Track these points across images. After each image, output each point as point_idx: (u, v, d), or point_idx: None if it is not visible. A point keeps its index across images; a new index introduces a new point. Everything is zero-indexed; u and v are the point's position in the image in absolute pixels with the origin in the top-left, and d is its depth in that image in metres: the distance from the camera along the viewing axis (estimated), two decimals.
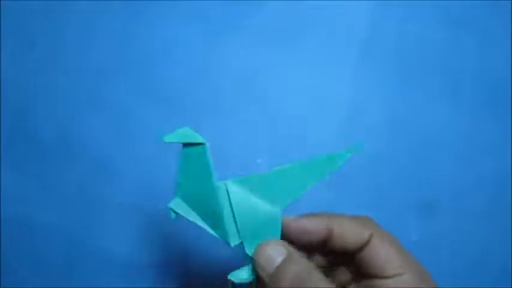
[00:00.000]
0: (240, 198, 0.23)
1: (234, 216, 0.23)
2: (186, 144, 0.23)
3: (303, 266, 0.21)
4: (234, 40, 0.38)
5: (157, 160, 0.36)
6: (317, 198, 0.36)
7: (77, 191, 0.37)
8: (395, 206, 0.36)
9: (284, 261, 0.21)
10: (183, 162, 0.24)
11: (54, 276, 0.36)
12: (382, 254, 0.23)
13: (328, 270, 0.25)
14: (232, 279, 0.23)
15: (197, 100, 0.37)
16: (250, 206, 0.23)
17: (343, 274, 0.25)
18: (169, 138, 0.23)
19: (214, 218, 0.23)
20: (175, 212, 0.24)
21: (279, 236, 0.23)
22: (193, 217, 0.24)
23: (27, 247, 0.37)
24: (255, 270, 0.23)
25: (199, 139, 0.23)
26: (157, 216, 0.36)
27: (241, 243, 0.23)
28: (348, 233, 0.23)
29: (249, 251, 0.23)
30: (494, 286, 0.35)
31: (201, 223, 0.24)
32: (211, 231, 0.24)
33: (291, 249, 0.22)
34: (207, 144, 0.23)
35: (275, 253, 0.22)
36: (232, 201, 0.23)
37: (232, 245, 0.23)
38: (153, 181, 0.36)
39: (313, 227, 0.23)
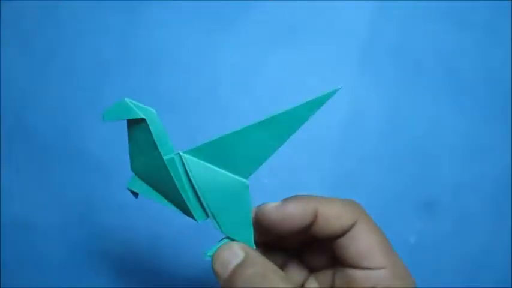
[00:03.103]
0: (198, 170, 0.21)
1: (195, 190, 0.21)
2: (129, 120, 0.21)
3: (258, 269, 0.19)
4: (232, 40, 0.38)
5: None
6: None
7: (77, 191, 0.37)
8: (395, 206, 0.36)
9: (238, 265, 0.20)
10: (131, 138, 0.21)
11: (53, 276, 0.36)
12: (364, 243, 0.21)
13: (300, 256, 0.24)
14: (205, 255, 0.21)
15: (196, 99, 0.37)
16: (211, 177, 0.21)
17: (316, 260, 0.24)
18: (107, 116, 0.20)
19: (175, 195, 0.21)
20: (135, 193, 0.22)
21: (249, 208, 0.21)
22: (153, 195, 0.22)
23: (26, 247, 0.37)
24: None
25: (138, 114, 0.20)
26: (158, 218, 0.36)
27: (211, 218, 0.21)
28: (333, 218, 0.21)
29: (218, 227, 0.21)
30: (494, 286, 0.35)
31: (163, 202, 0.22)
32: (175, 208, 0.22)
33: (250, 251, 0.21)
34: (153, 115, 0.20)
35: (231, 257, 0.20)
36: (190, 175, 0.21)
37: (199, 221, 0.21)
38: None
39: (300, 213, 0.21)
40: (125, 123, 0.21)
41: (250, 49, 0.38)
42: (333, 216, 0.21)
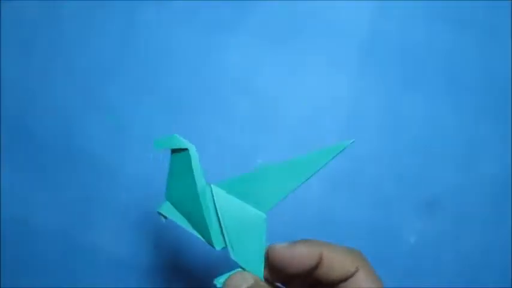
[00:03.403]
0: (224, 201, 0.23)
1: (218, 219, 0.23)
2: (174, 150, 0.24)
3: None
4: (233, 40, 0.38)
5: (157, 161, 0.36)
6: (316, 198, 0.36)
7: (77, 191, 0.37)
8: (395, 206, 0.36)
9: None
10: (172, 167, 0.24)
11: (53, 276, 0.36)
12: None
13: None
14: (216, 283, 0.23)
15: (197, 100, 0.37)
16: (234, 210, 0.23)
17: None
18: (157, 144, 0.24)
19: (200, 221, 0.23)
20: (164, 217, 0.25)
21: (263, 241, 0.23)
22: (181, 221, 0.24)
23: (26, 247, 0.37)
24: None
25: (184, 145, 0.23)
26: (158, 218, 0.36)
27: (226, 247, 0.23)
28: (337, 262, 0.22)
29: (233, 256, 0.23)
30: (494, 286, 0.35)
31: (188, 227, 0.24)
32: (198, 235, 0.24)
33: (259, 280, 0.22)
34: (193, 149, 0.23)
35: (241, 281, 0.22)
36: (217, 205, 0.23)
37: (217, 248, 0.23)
38: (154, 182, 0.36)
39: (308, 253, 0.22)
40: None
41: (250, 49, 0.38)
42: (337, 261, 0.23)
